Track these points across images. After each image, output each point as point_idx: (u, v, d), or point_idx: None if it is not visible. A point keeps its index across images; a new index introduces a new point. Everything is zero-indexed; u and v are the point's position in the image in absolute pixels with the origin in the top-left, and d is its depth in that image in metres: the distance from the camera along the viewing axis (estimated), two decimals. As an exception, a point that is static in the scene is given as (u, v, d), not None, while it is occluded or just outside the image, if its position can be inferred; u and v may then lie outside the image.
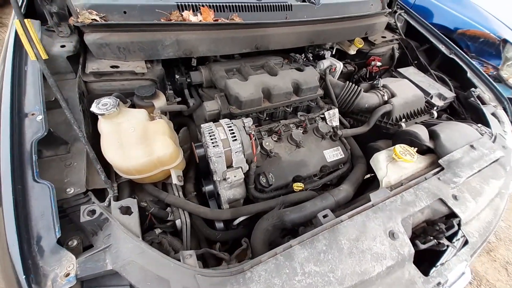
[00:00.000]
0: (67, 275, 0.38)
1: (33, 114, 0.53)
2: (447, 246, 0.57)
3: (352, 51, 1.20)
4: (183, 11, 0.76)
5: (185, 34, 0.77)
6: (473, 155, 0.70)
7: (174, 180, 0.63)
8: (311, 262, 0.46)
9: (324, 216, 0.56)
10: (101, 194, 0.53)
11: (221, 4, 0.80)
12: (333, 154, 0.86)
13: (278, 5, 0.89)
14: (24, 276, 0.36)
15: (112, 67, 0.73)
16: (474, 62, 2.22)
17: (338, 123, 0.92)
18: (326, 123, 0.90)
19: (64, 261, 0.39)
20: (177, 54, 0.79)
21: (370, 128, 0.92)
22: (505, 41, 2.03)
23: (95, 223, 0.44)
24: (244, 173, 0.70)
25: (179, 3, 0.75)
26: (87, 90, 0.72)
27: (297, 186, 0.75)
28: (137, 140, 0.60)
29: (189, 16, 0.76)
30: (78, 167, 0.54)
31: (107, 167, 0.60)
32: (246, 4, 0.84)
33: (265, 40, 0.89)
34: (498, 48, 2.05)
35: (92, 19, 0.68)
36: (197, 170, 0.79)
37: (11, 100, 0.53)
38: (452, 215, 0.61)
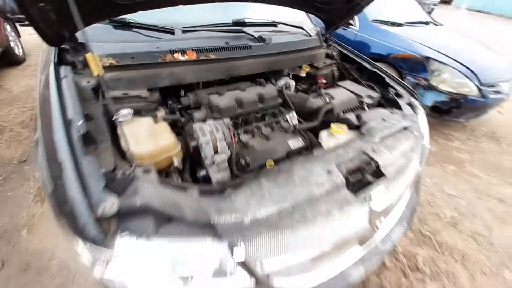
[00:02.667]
0: (112, 205, 0.59)
1: (74, 121, 0.78)
2: (370, 181, 0.82)
3: (303, 74, 1.60)
4: (174, 54, 1.10)
5: (176, 68, 1.10)
6: (385, 124, 1.01)
7: (176, 163, 0.87)
8: (274, 189, 0.69)
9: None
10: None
11: (200, 48, 1.16)
12: (295, 142, 1.14)
13: (241, 46, 1.27)
14: (85, 202, 0.57)
15: (123, 93, 1.02)
16: (409, 77, 2.77)
17: (296, 122, 1.23)
18: (288, 122, 1.20)
19: (109, 199, 0.60)
20: (171, 82, 1.11)
21: (320, 122, 1.23)
22: (427, 58, 2.60)
23: (127, 179, 0.66)
24: (227, 159, 0.94)
25: (171, 49, 1.10)
26: (106, 110, 0.98)
27: (269, 163, 1.00)
28: (147, 136, 0.85)
29: (179, 57, 1.10)
30: (105, 156, 0.77)
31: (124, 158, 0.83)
32: (218, 47, 1.21)
33: (234, 69, 1.24)
34: (424, 64, 2.61)
35: (110, 63, 0.99)
36: (191, 163, 1.02)
37: (61, 113, 0.78)
38: (373, 161, 0.87)
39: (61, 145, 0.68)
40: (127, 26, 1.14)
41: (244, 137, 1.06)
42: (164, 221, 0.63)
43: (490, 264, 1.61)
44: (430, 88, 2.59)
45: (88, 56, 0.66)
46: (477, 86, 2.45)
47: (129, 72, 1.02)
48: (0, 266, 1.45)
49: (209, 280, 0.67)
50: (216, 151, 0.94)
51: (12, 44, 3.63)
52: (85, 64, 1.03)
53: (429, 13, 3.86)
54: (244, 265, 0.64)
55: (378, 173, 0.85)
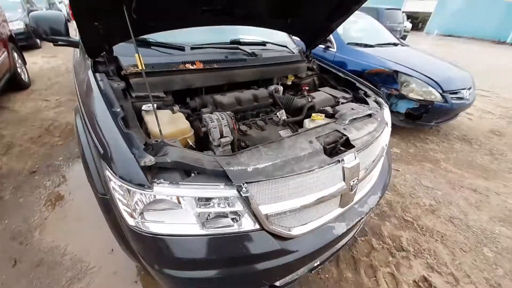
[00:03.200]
0: (150, 160, 0.80)
1: (115, 109, 1.01)
2: (342, 149, 1.06)
3: (289, 82, 1.91)
4: (185, 64, 1.38)
5: (187, 75, 1.37)
6: (353, 111, 1.28)
7: (190, 143, 1.09)
8: (269, 152, 0.92)
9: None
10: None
11: (206, 60, 1.45)
12: (285, 132, 1.39)
13: (237, 59, 1.58)
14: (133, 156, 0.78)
15: (145, 94, 1.27)
16: (382, 89, 3.15)
17: (285, 117, 1.49)
18: (278, 117, 1.46)
19: (148, 156, 0.81)
20: (183, 86, 1.37)
21: (304, 117, 1.49)
22: (396, 72, 3.00)
23: (159, 145, 0.87)
24: (230, 143, 1.17)
25: (183, 61, 1.38)
26: (134, 105, 1.22)
27: (264, 146, 1.23)
28: (168, 122, 1.08)
29: (189, 66, 1.38)
30: (137, 134, 0.99)
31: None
32: (220, 59, 1.51)
33: (233, 77, 1.53)
34: (394, 77, 3.00)
35: (135, 70, 1.26)
36: (201, 146, 1.24)
37: (106, 103, 1.01)
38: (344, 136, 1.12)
39: (108, 123, 0.91)
40: (147, 44, 1.43)
41: (243, 127, 1.31)
42: (188, 174, 0.84)
43: (469, 243, 1.80)
44: (402, 97, 2.97)
45: (136, 56, 0.91)
46: (440, 93, 2.84)
47: (150, 79, 1.28)
48: (12, 264, 1.54)
49: (222, 221, 0.86)
50: (221, 135, 1.17)
51: (19, 70, 3.91)
52: (116, 72, 1.29)
53: (403, 38, 4.44)
54: (248, 205, 0.84)
55: (348, 145, 1.09)
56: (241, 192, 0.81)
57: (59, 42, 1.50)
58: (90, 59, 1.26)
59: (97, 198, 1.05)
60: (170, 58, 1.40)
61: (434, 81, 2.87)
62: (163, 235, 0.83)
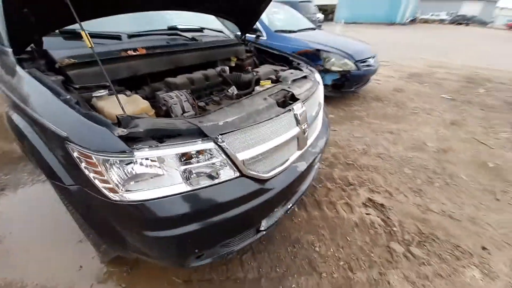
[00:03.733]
0: (123, 132, 0.83)
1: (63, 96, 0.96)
2: (290, 101, 1.27)
3: (233, 64, 2.05)
4: (127, 51, 1.36)
5: (131, 62, 1.36)
6: (292, 75, 1.53)
7: (154, 121, 1.12)
8: (232, 109, 1.06)
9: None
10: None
11: (149, 46, 1.46)
12: (239, 103, 1.53)
13: (179, 43, 1.63)
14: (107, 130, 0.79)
15: (89, 84, 1.21)
16: (310, 66, 3.57)
17: (236, 91, 1.63)
18: (231, 92, 1.59)
19: (120, 129, 0.84)
20: (129, 74, 1.35)
21: (252, 89, 1.66)
22: (318, 50, 3.47)
23: (127, 119, 0.89)
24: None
25: (124, 48, 1.36)
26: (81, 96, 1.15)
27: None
28: (126, 104, 1.08)
29: (131, 53, 1.37)
30: None
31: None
32: (162, 45, 1.53)
33: (178, 61, 1.58)
34: (317, 55, 3.47)
35: (68, 63, 1.18)
36: None
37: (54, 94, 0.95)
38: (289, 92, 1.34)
39: (64, 109, 0.87)
40: (76, 35, 1.34)
41: (201, 104, 1.39)
42: (161, 142, 0.89)
43: (393, 168, 2.31)
44: (327, 71, 3.49)
45: (82, 32, 0.87)
46: (353, 63, 3.46)
47: (91, 69, 1.23)
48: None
49: (205, 177, 0.95)
50: (183, 111, 1.23)
51: None
52: (48, 68, 1.18)
53: (319, 26, 5.14)
54: (226, 154, 0.95)
55: (294, 98, 1.31)
56: (217, 143, 0.92)
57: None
58: (13, 55, 1.12)
59: (64, 193, 0.99)
60: (107, 47, 1.35)
61: (348, 54, 3.47)
62: (152, 199, 0.86)
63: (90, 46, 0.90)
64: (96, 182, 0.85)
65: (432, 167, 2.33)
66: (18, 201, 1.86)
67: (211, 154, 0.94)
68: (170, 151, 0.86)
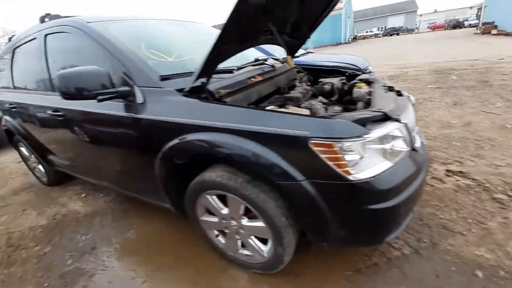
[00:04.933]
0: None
1: None
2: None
3: (297, 82, 2.35)
4: (251, 78, 1.58)
5: (256, 87, 1.58)
6: (373, 77, 1.85)
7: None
8: (382, 99, 1.30)
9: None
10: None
11: (260, 73, 1.69)
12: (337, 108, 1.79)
13: (269, 70, 1.90)
14: None
15: None
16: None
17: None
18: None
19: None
20: (257, 97, 1.55)
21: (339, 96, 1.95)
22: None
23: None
24: None
25: (248, 77, 1.58)
26: None
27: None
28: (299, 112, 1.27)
29: (254, 80, 1.59)
30: None
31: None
32: (262, 72, 1.78)
33: (277, 82, 1.83)
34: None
35: (227, 92, 1.37)
36: None
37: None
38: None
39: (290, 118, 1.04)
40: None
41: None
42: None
43: (443, 144, 2.66)
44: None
45: (288, 58, 1.07)
46: (362, 73, 4.02)
47: (238, 95, 1.42)
48: None
49: (393, 154, 1.14)
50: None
51: None
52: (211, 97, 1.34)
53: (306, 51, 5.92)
54: (407, 130, 1.17)
55: (399, 92, 1.61)
56: (401, 121, 1.14)
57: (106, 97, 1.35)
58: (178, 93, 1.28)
59: (294, 188, 1.07)
60: (235, 78, 1.56)
61: (356, 66, 4.04)
62: (374, 176, 1.02)
63: (292, 66, 1.11)
64: (335, 168, 0.99)
65: (471, 137, 2.73)
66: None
67: (396, 134, 1.15)
68: (383, 130, 1.06)
